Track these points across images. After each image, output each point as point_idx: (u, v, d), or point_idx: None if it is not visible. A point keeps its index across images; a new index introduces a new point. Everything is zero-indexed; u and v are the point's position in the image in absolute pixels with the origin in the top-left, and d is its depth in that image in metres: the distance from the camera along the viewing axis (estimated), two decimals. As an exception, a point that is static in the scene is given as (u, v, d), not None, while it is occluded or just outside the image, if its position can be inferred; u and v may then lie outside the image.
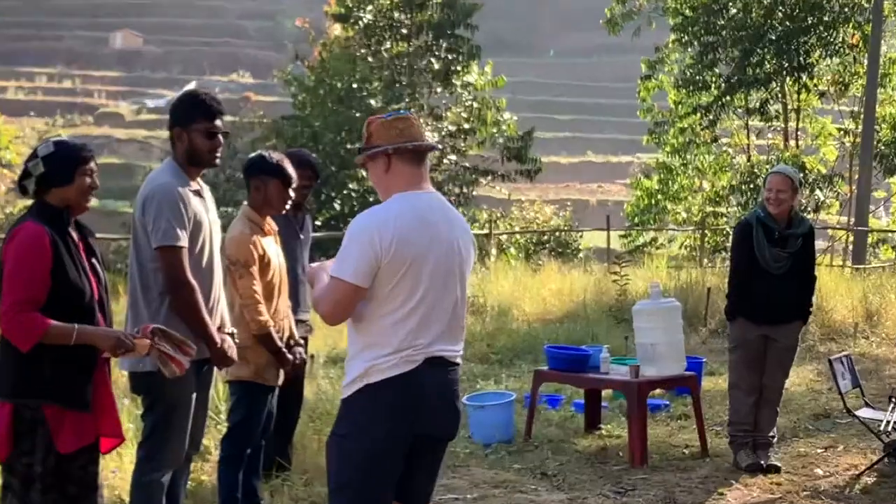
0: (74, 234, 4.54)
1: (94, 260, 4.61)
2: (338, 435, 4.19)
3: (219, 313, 5.20)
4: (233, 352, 5.16)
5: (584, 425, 8.63)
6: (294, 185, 5.95)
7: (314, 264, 4.50)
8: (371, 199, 22.41)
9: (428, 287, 4.12)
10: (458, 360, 4.29)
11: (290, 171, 5.91)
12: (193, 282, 4.90)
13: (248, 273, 5.65)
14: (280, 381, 5.96)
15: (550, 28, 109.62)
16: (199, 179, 5.22)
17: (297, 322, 6.37)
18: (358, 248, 4.08)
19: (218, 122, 5.14)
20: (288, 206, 6.00)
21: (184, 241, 4.90)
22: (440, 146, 5.15)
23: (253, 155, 6.11)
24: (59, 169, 4.47)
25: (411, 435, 4.13)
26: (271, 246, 5.88)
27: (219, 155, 5.20)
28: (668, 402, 9.54)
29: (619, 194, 63.10)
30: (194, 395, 5.06)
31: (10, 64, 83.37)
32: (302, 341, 6.29)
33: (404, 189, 4.23)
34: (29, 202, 4.61)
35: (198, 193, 5.12)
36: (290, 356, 5.87)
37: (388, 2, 24.61)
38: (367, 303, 4.11)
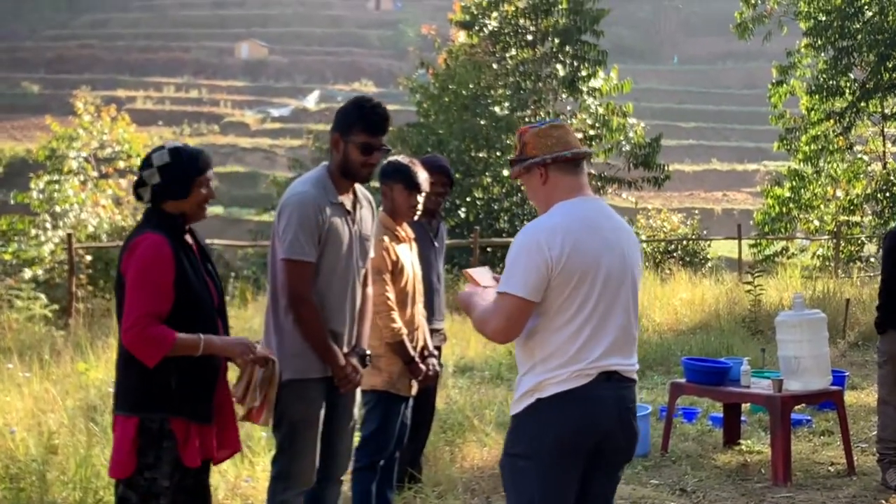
0: (189, 239, 4.43)
1: (208, 265, 4.49)
2: (510, 454, 4.05)
3: (356, 333, 5.00)
4: (357, 376, 4.95)
5: (723, 440, 8.33)
6: (423, 191, 5.77)
7: (463, 291, 4.31)
8: (496, 207, 22.31)
9: (600, 297, 3.95)
10: (634, 376, 4.11)
11: (417, 176, 5.73)
12: (314, 299, 4.73)
13: (381, 279, 5.51)
14: (413, 392, 5.80)
15: (673, 35, 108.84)
16: (356, 189, 5.00)
17: (432, 332, 6.20)
18: (527, 260, 3.92)
19: (380, 138, 4.88)
20: (418, 213, 5.83)
21: (310, 257, 4.72)
22: (593, 151, 4.95)
23: (384, 161, 5.90)
24: (175, 182, 4.31)
25: (587, 453, 3.96)
26: (406, 253, 5.74)
27: (372, 171, 4.95)
28: (809, 418, 9.18)
29: (745, 203, 62.12)
30: (322, 412, 4.87)
31: (139, 75, 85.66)
32: (436, 352, 6.10)
33: (565, 198, 4.08)
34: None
35: (342, 207, 4.87)
36: (423, 367, 5.72)
37: (514, 8, 24.47)
38: (537, 316, 3.96)
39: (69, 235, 14.00)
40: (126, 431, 4.20)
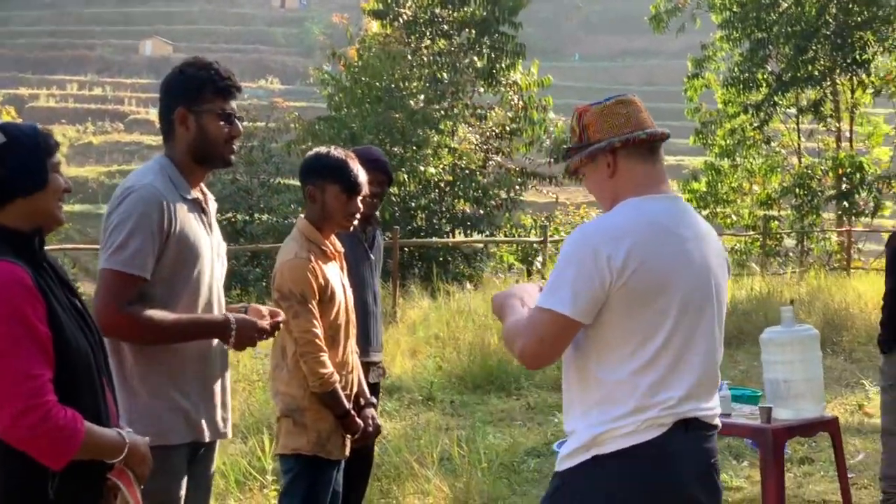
0: (47, 267, 2.99)
1: (75, 301, 3.03)
2: None
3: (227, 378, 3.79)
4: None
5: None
6: (363, 193, 4.52)
7: (500, 292, 3.34)
8: (412, 205, 21.24)
9: (677, 323, 3.05)
10: (716, 421, 3.23)
11: (355, 174, 4.46)
12: (138, 320, 3.44)
13: (306, 310, 4.24)
14: (347, 453, 4.54)
15: (574, 33, 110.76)
16: (202, 186, 3.76)
17: (368, 366, 5.03)
18: (577, 271, 3.01)
19: (234, 104, 3.71)
20: (356, 220, 4.56)
21: (142, 271, 3.45)
22: (669, 133, 4.14)
23: (310, 153, 4.67)
24: (23, 167, 2.89)
25: None
26: (335, 274, 4.46)
27: (235, 148, 3.76)
28: (782, 442, 8.12)
29: (649, 196, 62.78)
30: (184, 485, 3.62)
31: (41, 72, 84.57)
32: (374, 400, 4.87)
33: (638, 194, 3.16)
34: None
35: (197, 206, 3.69)
36: (359, 421, 4.47)
37: (429, -3, 23.47)
38: (592, 343, 3.07)
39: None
40: None
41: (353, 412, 4.43)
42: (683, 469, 3.06)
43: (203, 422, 3.64)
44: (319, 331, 4.28)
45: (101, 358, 3.05)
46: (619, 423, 3.01)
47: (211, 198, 3.83)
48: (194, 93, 3.62)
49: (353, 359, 4.58)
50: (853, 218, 25.70)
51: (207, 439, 3.67)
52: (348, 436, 4.47)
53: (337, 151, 4.53)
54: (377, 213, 5.55)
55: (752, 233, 25.81)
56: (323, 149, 4.59)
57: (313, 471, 4.39)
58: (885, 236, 24.10)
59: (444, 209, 21.71)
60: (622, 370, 3.03)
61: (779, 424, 6.11)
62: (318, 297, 4.30)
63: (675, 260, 3.08)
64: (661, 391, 3.01)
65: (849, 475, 7.15)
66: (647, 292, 3.02)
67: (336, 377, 4.33)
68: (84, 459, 2.83)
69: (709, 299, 3.15)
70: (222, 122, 3.64)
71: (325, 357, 4.30)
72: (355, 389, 4.56)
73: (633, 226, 3.06)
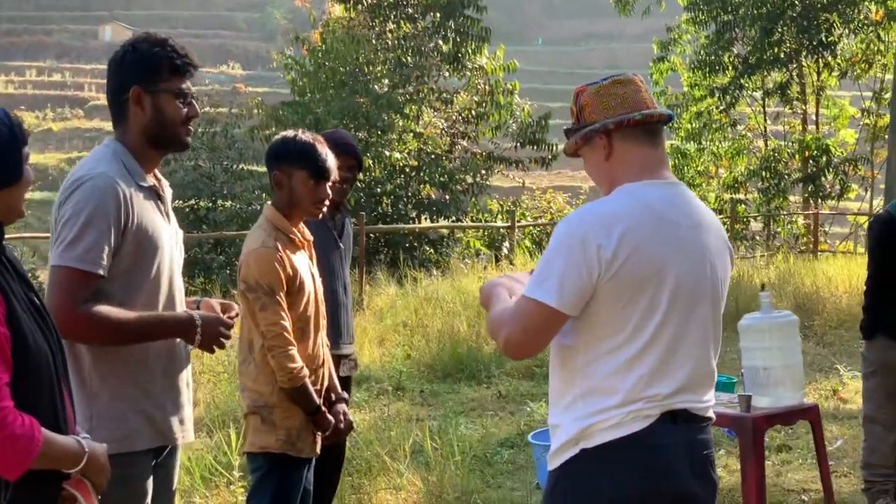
0: (5, 262, 2.73)
1: (33, 297, 2.79)
2: None
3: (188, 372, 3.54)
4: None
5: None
6: (332, 179, 4.27)
7: (489, 281, 3.20)
8: (378, 191, 21.02)
9: (668, 314, 2.93)
10: (710, 414, 3.08)
11: (324, 159, 4.21)
12: (95, 320, 3.19)
13: (274, 302, 4.00)
14: (318, 451, 4.30)
15: (538, 17, 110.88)
16: (156, 171, 3.50)
17: (339, 359, 4.82)
18: (565, 261, 2.89)
19: (189, 83, 3.45)
20: (325, 207, 4.29)
21: (97, 267, 3.19)
22: (671, 114, 3.84)
23: (276, 137, 4.40)
24: (4, 158, 2.65)
25: None
26: (304, 264, 4.21)
27: (192, 130, 3.50)
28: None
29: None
30: (150, 492, 3.39)
31: (0, 59, 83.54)
32: (346, 395, 4.63)
33: (635, 179, 3.02)
34: None
35: (153, 193, 3.43)
36: (330, 417, 4.24)
37: (393, -21, 23.13)
38: (580, 335, 2.95)
39: None
40: None
41: (324, 408, 4.22)
42: (672, 460, 2.93)
43: (169, 424, 3.41)
44: (288, 323, 4.05)
45: (60, 359, 2.81)
46: (605, 416, 2.90)
47: (166, 184, 3.57)
48: (151, 71, 3.37)
49: (324, 352, 4.36)
50: (819, 201, 25.70)
51: (173, 443, 3.45)
52: (319, 433, 4.27)
53: (305, 135, 4.28)
54: (346, 199, 5.31)
55: (719, 216, 25.72)
56: (290, 133, 4.33)
57: (283, 469, 4.17)
58: (852, 219, 24.20)
59: (410, 194, 21.51)
60: (611, 363, 2.91)
61: (759, 413, 5.94)
62: (286, 288, 4.07)
63: (668, 248, 2.94)
64: (651, 385, 2.90)
65: (830, 463, 7.05)
66: (638, 282, 2.90)
67: (306, 372, 4.11)
68: (40, 469, 2.62)
69: (703, 289, 3.02)
70: (179, 102, 3.39)
71: (294, 351, 4.07)
72: (326, 384, 4.33)
73: (626, 212, 2.93)
